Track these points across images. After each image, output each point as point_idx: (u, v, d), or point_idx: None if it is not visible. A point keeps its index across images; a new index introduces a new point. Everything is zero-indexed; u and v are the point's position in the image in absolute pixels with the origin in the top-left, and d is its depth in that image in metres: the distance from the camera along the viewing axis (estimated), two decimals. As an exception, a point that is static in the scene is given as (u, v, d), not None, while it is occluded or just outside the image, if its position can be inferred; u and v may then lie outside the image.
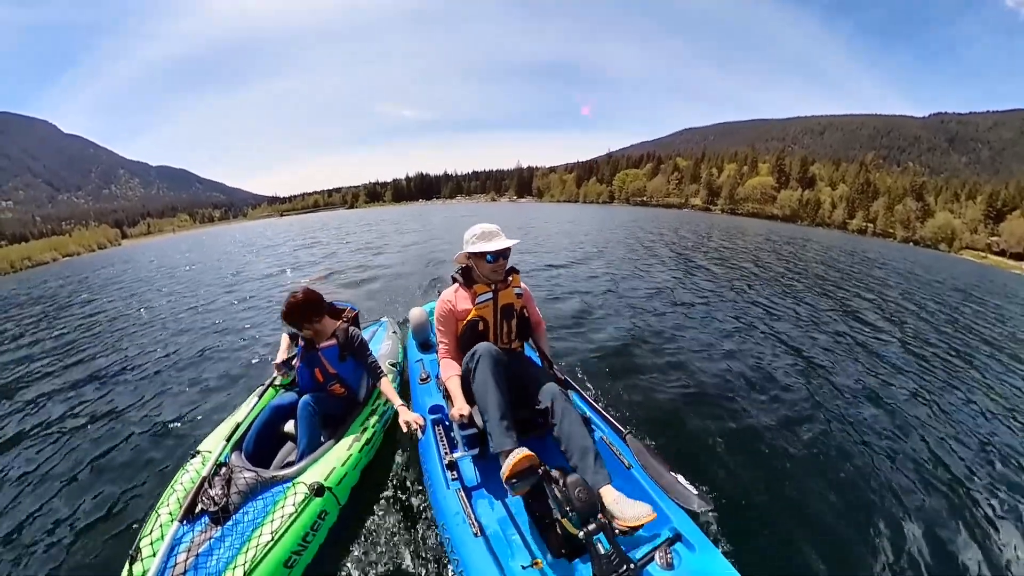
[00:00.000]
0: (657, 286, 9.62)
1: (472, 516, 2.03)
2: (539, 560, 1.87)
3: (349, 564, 2.41)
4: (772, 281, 11.32)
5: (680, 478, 1.97)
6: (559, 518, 1.86)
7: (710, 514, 1.93)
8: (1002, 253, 60.45)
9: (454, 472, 2.28)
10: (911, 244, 62.95)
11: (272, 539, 2.05)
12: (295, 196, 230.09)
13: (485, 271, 2.57)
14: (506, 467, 1.89)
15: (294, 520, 2.17)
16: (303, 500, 2.26)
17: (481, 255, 2.52)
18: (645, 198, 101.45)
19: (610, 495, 1.93)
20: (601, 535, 1.72)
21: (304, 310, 2.80)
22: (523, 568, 1.84)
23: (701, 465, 3.24)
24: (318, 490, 2.33)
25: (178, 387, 4.88)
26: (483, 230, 2.59)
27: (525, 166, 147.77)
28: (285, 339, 3.25)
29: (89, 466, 3.49)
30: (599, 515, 1.80)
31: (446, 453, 2.37)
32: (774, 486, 3.10)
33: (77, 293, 14.49)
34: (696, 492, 1.90)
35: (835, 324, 7.46)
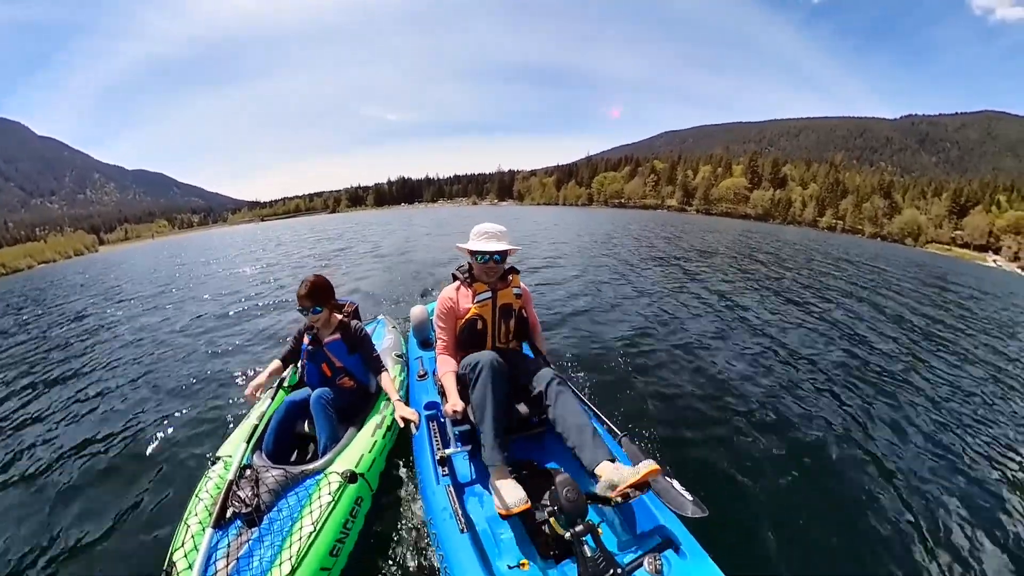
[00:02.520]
0: (651, 287, 9.53)
1: (459, 512, 1.99)
2: (526, 561, 1.84)
3: (386, 550, 2.45)
4: (759, 280, 11.20)
5: (675, 483, 1.94)
6: (548, 518, 1.83)
7: (707, 521, 1.84)
8: (966, 245, 63.17)
9: (445, 468, 2.29)
10: (879, 239, 64.51)
11: (314, 530, 2.03)
12: (276, 201, 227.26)
13: (477, 269, 2.62)
14: (504, 509, 1.86)
15: (333, 508, 2.16)
16: (338, 488, 2.25)
17: (475, 253, 2.56)
18: (623, 200, 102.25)
19: (610, 466, 1.93)
20: (588, 537, 1.70)
21: (323, 290, 2.87)
22: (509, 568, 1.82)
23: (698, 471, 3.18)
24: (351, 477, 2.34)
25: (185, 394, 4.75)
26: (485, 230, 2.61)
27: (506, 169, 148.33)
28: (275, 364, 3.08)
29: (97, 483, 3.34)
30: (586, 516, 1.77)
31: (438, 448, 2.38)
32: (775, 496, 3.02)
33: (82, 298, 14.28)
34: (691, 498, 1.86)
35: (835, 323, 7.41)
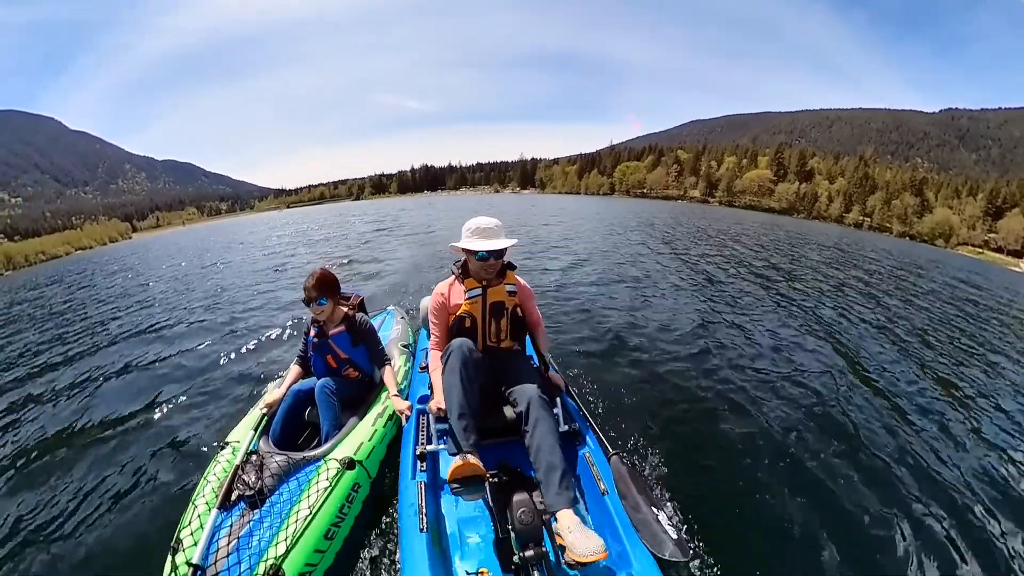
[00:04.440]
0: (674, 293, 9.00)
1: (423, 510, 1.97)
2: (486, 570, 1.78)
3: (383, 536, 2.49)
4: (786, 288, 10.42)
5: (661, 516, 1.82)
6: (506, 537, 1.80)
7: (685, 565, 1.69)
8: (999, 250, 60.88)
9: (423, 464, 2.28)
10: (907, 239, 62.48)
11: (310, 513, 2.11)
12: (301, 188, 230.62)
13: (475, 268, 2.51)
14: (449, 470, 1.85)
15: (329, 493, 2.23)
16: (336, 475, 2.32)
17: (472, 251, 2.45)
18: (645, 190, 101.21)
19: (566, 520, 1.77)
20: (541, 564, 1.63)
21: (329, 283, 2.93)
22: (468, 574, 1.79)
23: (690, 503, 2.78)
24: (349, 464, 2.40)
25: (198, 382, 4.93)
26: (479, 225, 2.48)
27: (528, 158, 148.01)
28: (295, 370, 3.14)
29: (113, 466, 3.51)
30: (541, 543, 1.69)
31: (421, 444, 2.38)
32: (771, 544, 2.65)
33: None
34: (674, 537, 1.71)
35: (857, 335, 6.93)
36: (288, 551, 1.93)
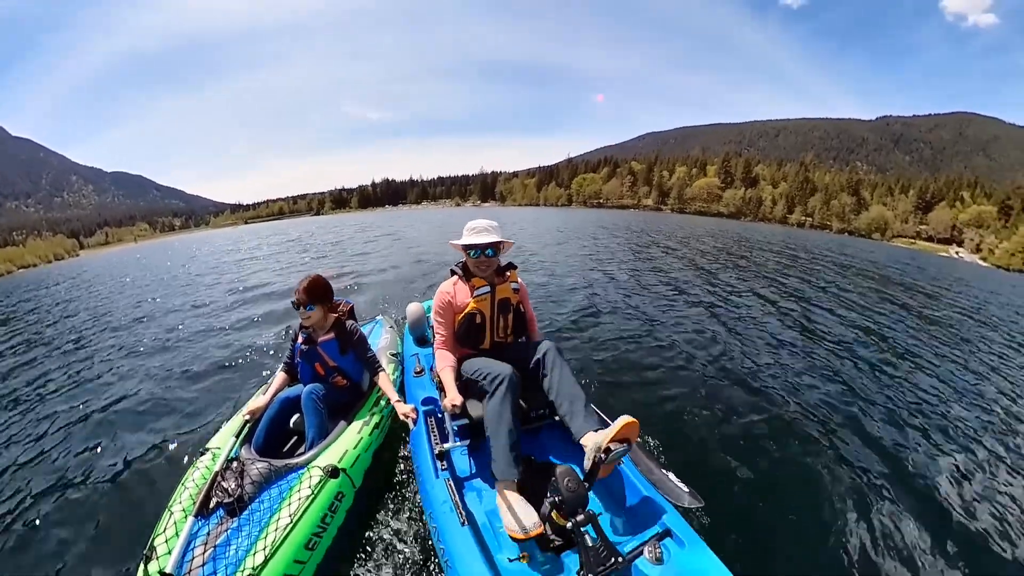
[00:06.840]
0: (656, 281, 9.61)
1: (460, 506, 1.99)
2: (527, 554, 1.86)
3: (368, 548, 2.41)
4: (757, 275, 11.17)
5: (671, 475, 2.01)
6: (549, 512, 1.85)
7: (700, 511, 1.96)
8: (930, 239, 66.31)
9: (444, 462, 2.30)
10: (846, 234, 66.12)
11: (291, 522, 2.04)
12: (259, 203, 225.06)
13: (472, 264, 2.63)
14: (520, 532, 1.84)
15: (311, 502, 2.16)
16: (319, 482, 2.25)
17: (468, 247, 2.60)
18: (601, 200, 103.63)
19: (593, 434, 1.99)
20: (589, 527, 1.72)
21: (323, 290, 2.88)
22: (510, 560, 1.83)
23: (693, 462, 3.15)
24: (332, 472, 2.33)
25: (180, 386, 4.80)
26: (477, 225, 2.63)
27: (489, 171, 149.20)
28: (281, 377, 3.05)
29: (87, 469, 3.40)
30: (587, 506, 1.79)
31: (437, 443, 2.40)
32: (766, 485, 2.99)
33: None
34: (687, 489, 1.93)
35: (831, 317, 7.43)
36: (266, 561, 1.86)
